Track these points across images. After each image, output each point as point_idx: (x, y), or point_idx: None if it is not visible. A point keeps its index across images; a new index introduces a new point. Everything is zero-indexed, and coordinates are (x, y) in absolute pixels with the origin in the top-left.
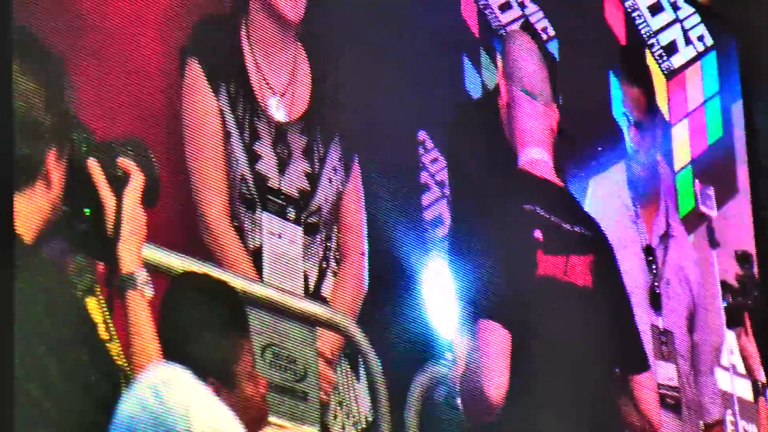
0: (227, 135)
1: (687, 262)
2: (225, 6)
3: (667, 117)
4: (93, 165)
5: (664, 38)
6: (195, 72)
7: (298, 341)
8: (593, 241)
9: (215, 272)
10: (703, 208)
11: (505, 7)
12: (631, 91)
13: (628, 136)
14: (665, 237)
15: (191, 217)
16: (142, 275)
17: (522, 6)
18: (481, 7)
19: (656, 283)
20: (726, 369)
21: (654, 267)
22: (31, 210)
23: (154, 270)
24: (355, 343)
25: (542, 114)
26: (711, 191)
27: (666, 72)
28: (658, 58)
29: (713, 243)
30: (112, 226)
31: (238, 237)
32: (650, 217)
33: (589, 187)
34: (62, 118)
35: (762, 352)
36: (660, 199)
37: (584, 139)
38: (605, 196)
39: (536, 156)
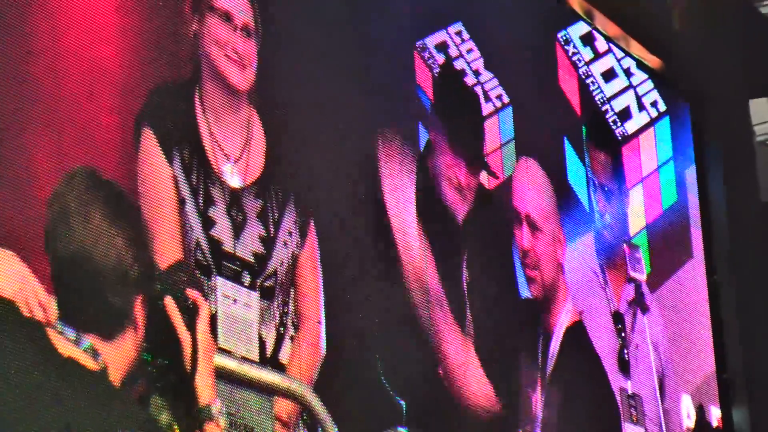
0: (182, 202)
1: (656, 328)
2: (180, 75)
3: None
4: (169, 303)
5: (618, 104)
6: (149, 140)
7: (254, 410)
8: None
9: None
10: (633, 273)
11: (460, 74)
12: (596, 157)
13: (594, 200)
14: (633, 303)
15: None
16: (216, 405)
17: (477, 73)
18: (436, 73)
19: (625, 349)
20: None
21: (622, 332)
22: (121, 356)
23: None
24: (312, 410)
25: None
26: (640, 254)
27: (620, 138)
28: (612, 124)
29: (643, 308)
30: (189, 361)
31: None
32: (618, 283)
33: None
34: (147, 266)
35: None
36: (626, 266)
37: None
38: (575, 263)
39: (569, 312)
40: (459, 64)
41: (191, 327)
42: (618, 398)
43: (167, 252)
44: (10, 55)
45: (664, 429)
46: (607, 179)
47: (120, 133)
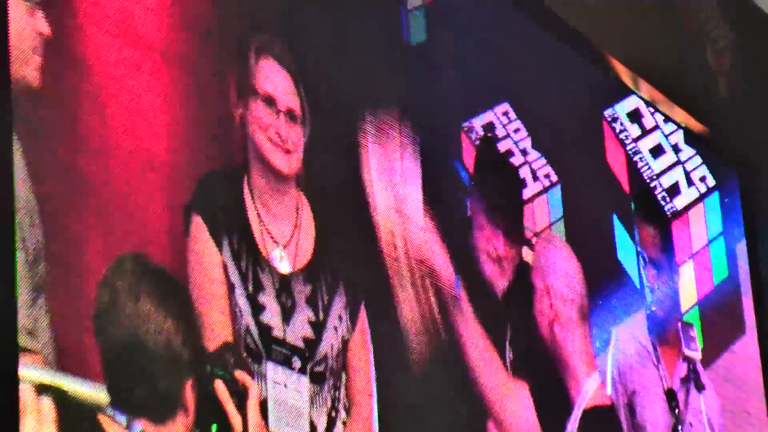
0: (231, 288)
1: (710, 406)
2: (229, 161)
3: (675, 258)
4: (219, 387)
5: (667, 180)
6: (198, 227)
7: None
8: None
9: None
10: (687, 352)
11: (507, 156)
12: (645, 231)
13: (644, 276)
14: (686, 380)
15: None
16: None
17: (524, 153)
18: (479, 146)
19: (680, 426)
20: None
21: (676, 410)
22: None
23: None
24: None
25: (586, 333)
26: (694, 332)
27: (669, 214)
28: (661, 200)
29: (699, 386)
30: None
31: None
32: (671, 361)
33: (612, 336)
34: (197, 350)
35: None
36: (681, 342)
37: (597, 288)
38: (627, 342)
39: (595, 385)
40: (506, 144)
41: (242, 410)
42: None
43: (217, 338)
44: (62, 147)
45: None
46: (656, 253)
47: (170, 221)
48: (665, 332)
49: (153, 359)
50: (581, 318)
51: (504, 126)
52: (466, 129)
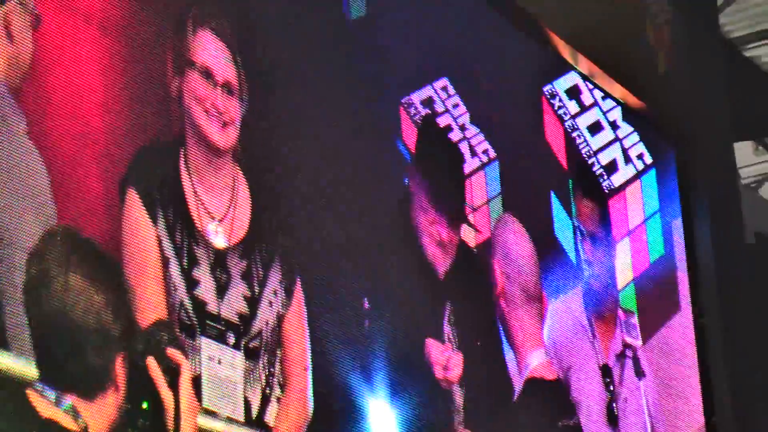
0: (165, 262)
1: (650, 386)
2: (165, 134)
3: (611, 234)
4: (151, 363)
5: (605, 157)
6: (133, 200)
7: None
8: None
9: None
10: (627, 338)
11: (446, 130)
12: (582, 205)
13: (582, 250)
14: (621, 355)
15: None
16: None
17: (463, 129)
18: (420, 125)
19: (613, 402)
20: None
21: (611, 386)
22: (102, 416)
23: None
24: None
25: (536, 312)
26: (635, 320)
27: (607, 191)
28: (599, 177)
29: (639, 373)
30: (172, 421)
31: None
32: (607, 336)
33: (548, 311)
34: (128, 324)
35: None
36: (617, 318)
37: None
38: (563, 318)
39: (539, 361)
40: (445, 120)
41: (173, 387)
42: None
43: (151, 312)
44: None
45: None
46: (594, 227)
47: (104, 194)
48: (601, 308)
49: (83, 333)
50: (528, 297)
51: (443, 101)
52: (405, 104)
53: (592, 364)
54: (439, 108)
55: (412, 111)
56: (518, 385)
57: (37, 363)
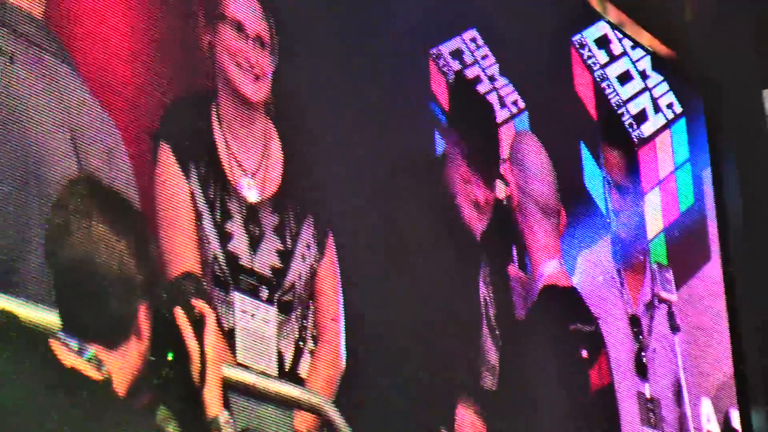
0: (199, 216)
1: (671, 332)
2: (197, 88)
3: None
4: (178, 313)
5: (634, 107)
6: (166, 154)
7: (274, 424)
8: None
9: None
10: (663, 293)
11: (475, 82)
12: (610, 155)
13: (609, 200)
14: (651, 306)
15: None
16: (224, 416)
17: (492, 79)
18: (451, 81)
19: (642, 352)
20: None
21: (639, 336)
22: (126, 365)
23: None
24: (332, 423)
25: (552, 226)
26: (670, 275)
27: (636, 141)
28: (628, 126)
29: (674, 327)
30: (198, 373)
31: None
32: (636, 286)
33: (578, 262)
34: (151, 271)
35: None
36: (646, 268)
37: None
38: (592, 268)
39: (553, 269)
40: (474, 71)
41: (199, 338)
42: (636, 402)
43: (184, 266)
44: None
45: None
46: (621, 178)
47: (137, 147)
48: (630, 258)
49: (106, 282)
50: (545, 211)
51: (472, 52)
52: (434, 55)
53: (621, 315)
54: (468, 59)
55: (441, 62)
56: (534, 292)
57: (60, 313)
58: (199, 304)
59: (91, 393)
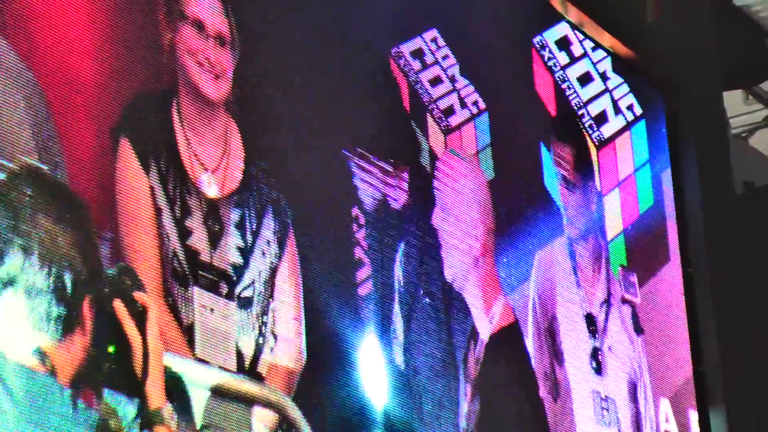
0: (158, 211)
1: (628, 329)
2: (158, 85)
3: (598, 187)
4: (119, 306)
5: (594, 108)
6: (126, 150)
7: (233, 420)
8: None
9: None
10: (626, 296)
11: (435, 82)
12: (561, 151)
13: (559, 197)
14: (606, 304)
15: None
16: (167, 409)
17: (452, 80)
18: (412, 82)
19: (598, 351)
20: None
21: (595, 334)
22: (69, 358)
23: None
24: (290, 420)
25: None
26: (634, 278)
27: (596, 142)
28: (588, 128)
29: (638, 329)
30: (140, 365)
31: (171, 315)
32: (591, 285)
33: (535, 260)
34: (96, 266)
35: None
36: (601, 267)
37: (522, 214)
38: (548, 267)
39: (500, 310)
40: (434, 71)
41: (141, 330)
42: (591, 401)
43: (145, 261)
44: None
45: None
46: (574, 176)
47: (97, 143)
48: (586, 256)
49: (50, 276)
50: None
51: (433, 53)
52: (394, 55)
53: (577, 313)
54: (429, 59)
55: (402, 62)
56: (484, 338)
57: (2, 304)
58: (141, 297)
59: (36, 385)
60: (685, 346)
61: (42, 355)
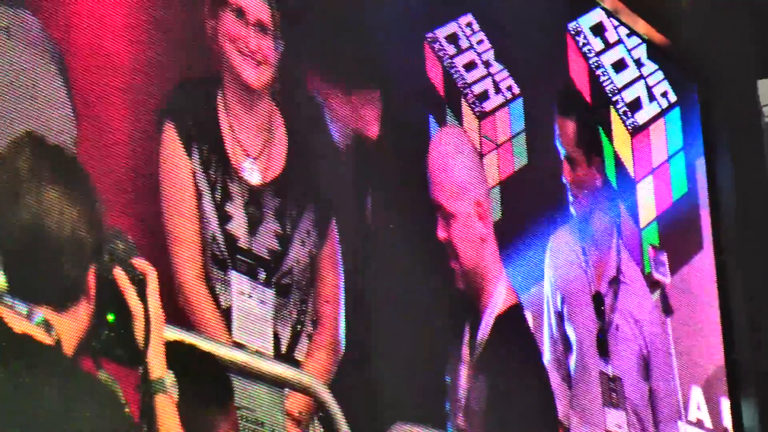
0: (199, 195)
1: (639, 309)
2: (205, 71)
3: (632, 174)
4: (119, 274)
5: (629, 95)
6: (170, 133)
7: (265, 404)
8: None
9: (194, 340)
10: (656, 276)
11: (470, 67)
12: (564, 125)
13: (564, 175)
14: (614, 282)
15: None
16: (170, 378)
17: (487, 65)
18: (446, 66)
19: (605, 329)
20: (693, 424)
21: (603, 314)
22: (74, 328)
23: None
24: (324, 405)
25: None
26: (664, 257)
27: (630, 129)
28: (622, 114)
29: (667, 310)
30: (141, 334)
31: (211, 297)
32: (601, 264)
33: (549, 243)
34: (100, 233)
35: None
36: (611, 246)
37: (544, 200)
38: (560, 249)
39: (503, 295)
40: (469, 56)
41: (142, 297)
42: (598, 382)
43: (186, 244)
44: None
45: (651, 411)
46: (573, 149)
47: (142, 126)
48: (596, 237)
49: (56, 245)
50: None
51: (467, 37)
52: (429, 39)
53: (585, 294)
54: (464, 44)
55: (437, 46)
56: (487, 326)
57: (6, 276)
58: (140, 263)
59: (43, 358)
60: (717, 334)
61: (47, 326)
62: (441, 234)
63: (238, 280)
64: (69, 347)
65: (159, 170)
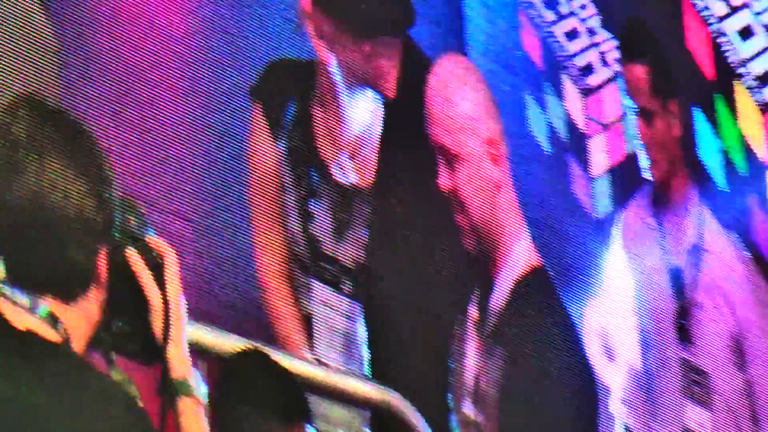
0: (282, 187)
1: (727, 282)
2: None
3: (762, 156)
4: (132, 256)
5: (758, 67)
6: (258, 114)
7: (344, 425)
8: None
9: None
10: None
11: (571, 36)
12: (632, 73)
13: (635, 129)
14: (696, 251)
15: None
16: (195, 377)
17: (591, 34)
18: (544, 36)
19: (684, 312)
20: None
21: (682, 291)
22: (85, 320)
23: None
24: (408, 423)
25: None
26: None
27: (761, 105)
28: (748, 89)
29: None
30: (161, 327)
31: (292, 299)
32: (678, 232)
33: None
34: (112, 210)
35: None
36: (688, 209)
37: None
38: (631, 224)
39: (524, 255)
40: (570, 24)
41: (159, 284)
42: (677, 371)
43: (269, 237)
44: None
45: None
46: (648, 99)
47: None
48: (670, 202)
49: (61, 225)
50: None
51: (568, 2)
52: (523, 5)
53: (660, 268)
54: (564, 10)
55: (533, 13)
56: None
57: (5, 262)
58: (156, 242)
59: (49, 358)
60: None
61: (53, 320)
62: (443, 182)
63: (320, 290)
64: (79, 344)
65: (247, 153)
